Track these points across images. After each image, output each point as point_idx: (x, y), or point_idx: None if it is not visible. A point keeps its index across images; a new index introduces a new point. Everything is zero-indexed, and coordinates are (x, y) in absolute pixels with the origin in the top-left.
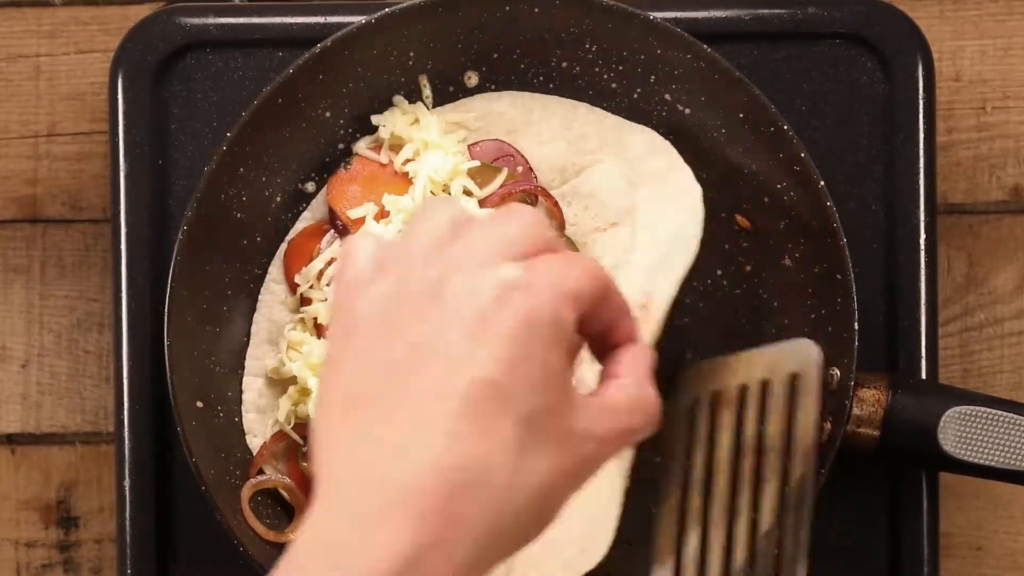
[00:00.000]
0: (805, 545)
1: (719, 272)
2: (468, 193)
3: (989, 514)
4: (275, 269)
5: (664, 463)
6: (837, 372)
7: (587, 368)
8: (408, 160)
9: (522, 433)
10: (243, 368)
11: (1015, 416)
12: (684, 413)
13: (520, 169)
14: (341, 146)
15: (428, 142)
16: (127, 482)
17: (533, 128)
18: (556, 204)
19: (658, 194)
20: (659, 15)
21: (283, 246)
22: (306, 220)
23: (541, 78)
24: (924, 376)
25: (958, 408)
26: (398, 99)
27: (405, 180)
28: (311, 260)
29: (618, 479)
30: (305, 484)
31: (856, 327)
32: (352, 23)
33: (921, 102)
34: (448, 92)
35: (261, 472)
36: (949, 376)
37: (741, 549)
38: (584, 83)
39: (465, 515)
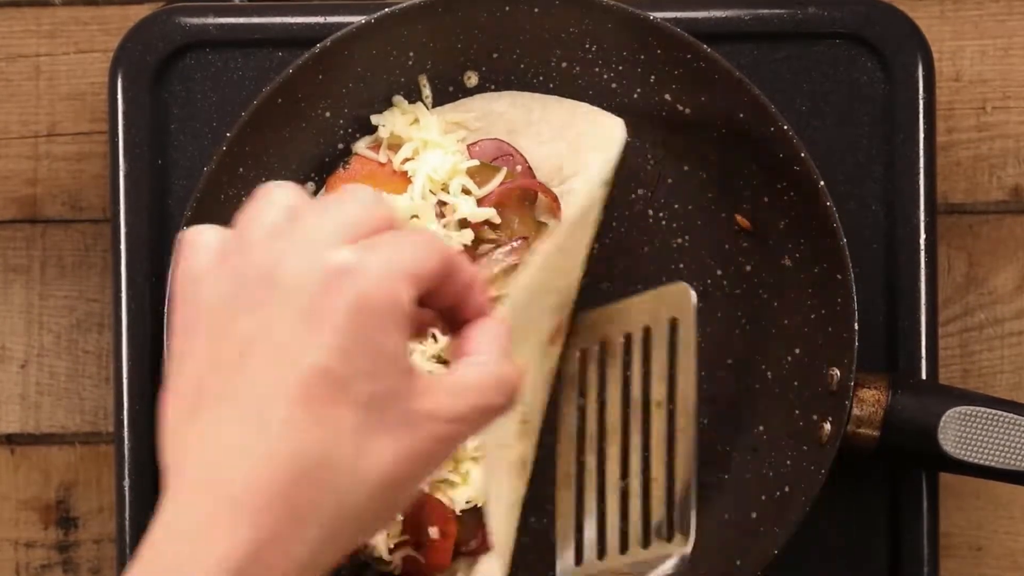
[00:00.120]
0: (694, 497)
1: (719, 272)
2: (467, 192)
3: (989, 514)
4: None
5: (558, 427)
6: (837, 372)
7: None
8: (407, 159)
9: (362, 419)
10: None
11: (1015, 416)
12: (575, 368)
13: (519, 168)
14: (341, 146)
15: (427, 141)
16: (127, 482)
17: (533, 128)
18: (556, 200)
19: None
20: (659, 15)
21: None
22: None
23: (541, 78)
24: (924, 376)
25: (958, 408)
26: (398, 99)
27: (404, 179)
28: None
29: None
30: None
31: (856, 327)
32: (352, 23)
33: (921, 102)
34: (448, 92)
35: None
36: (949, 376)
37: (636, 507)
38: (584, 83)
39: (307, 506)
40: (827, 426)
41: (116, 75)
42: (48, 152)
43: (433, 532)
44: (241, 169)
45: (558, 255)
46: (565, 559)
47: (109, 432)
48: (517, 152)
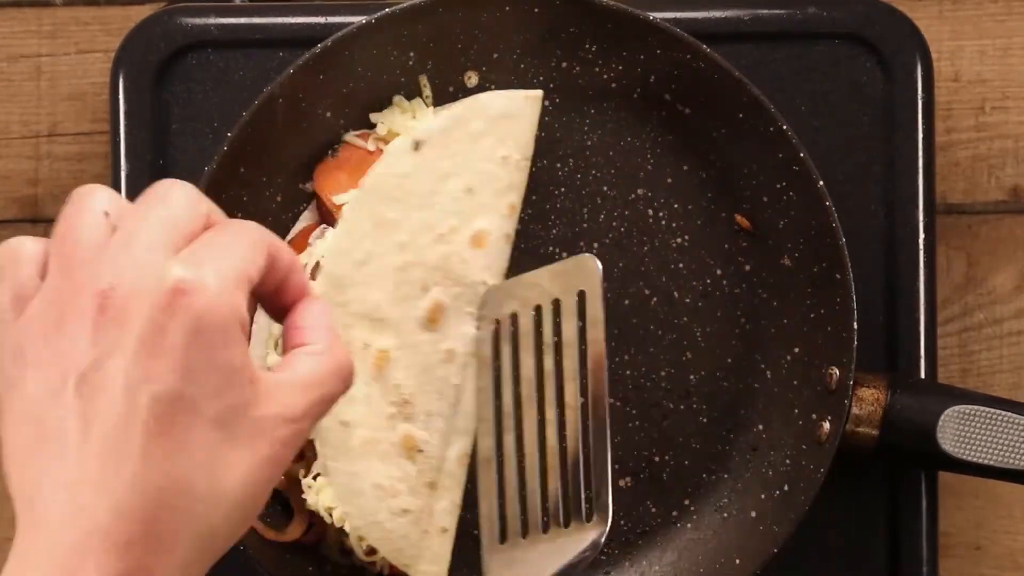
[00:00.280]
0: (609, 476)
1: (719, 272)
2: None
3: (989, 514)
4: None
5: (477, 411)
6: (836, 371)
7: None
8: None
9: (215, 437)
10: None
11: (1014, 416)
12: (487, 351)
13: None
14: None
15: None
16: None
17: None
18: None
19: None
20: (659, 15)
21: None
22: (306, 220)
23: (541, 78)
24: (923, 376)
25: (957, 407)
26: (398, 99)
27: None
28: None
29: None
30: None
31: (855, 327)
32: (352, 23)
33: (920, 102)
34: (448, 92)
35: None
36: (948, 376)
37: (554, 481)
38: (584, 83)
39: (171, 533)
40: (826, 425)
41: (117, 75)
42: (49, 152)
43: None
44: (241, 169)
45: (367, 223)
46: (491, 537)
47: None
48: None
